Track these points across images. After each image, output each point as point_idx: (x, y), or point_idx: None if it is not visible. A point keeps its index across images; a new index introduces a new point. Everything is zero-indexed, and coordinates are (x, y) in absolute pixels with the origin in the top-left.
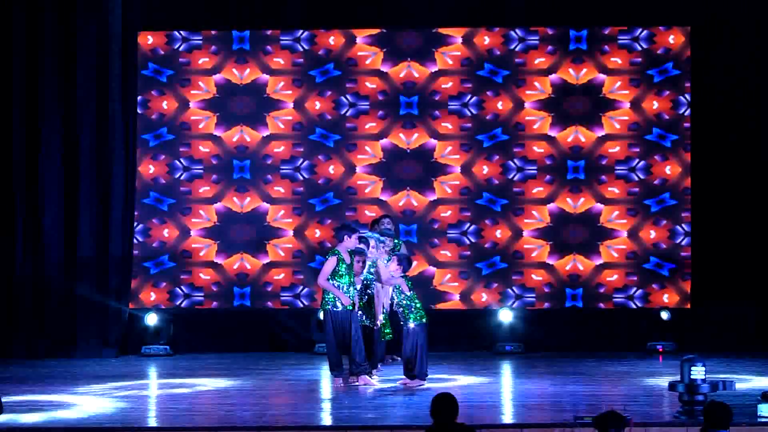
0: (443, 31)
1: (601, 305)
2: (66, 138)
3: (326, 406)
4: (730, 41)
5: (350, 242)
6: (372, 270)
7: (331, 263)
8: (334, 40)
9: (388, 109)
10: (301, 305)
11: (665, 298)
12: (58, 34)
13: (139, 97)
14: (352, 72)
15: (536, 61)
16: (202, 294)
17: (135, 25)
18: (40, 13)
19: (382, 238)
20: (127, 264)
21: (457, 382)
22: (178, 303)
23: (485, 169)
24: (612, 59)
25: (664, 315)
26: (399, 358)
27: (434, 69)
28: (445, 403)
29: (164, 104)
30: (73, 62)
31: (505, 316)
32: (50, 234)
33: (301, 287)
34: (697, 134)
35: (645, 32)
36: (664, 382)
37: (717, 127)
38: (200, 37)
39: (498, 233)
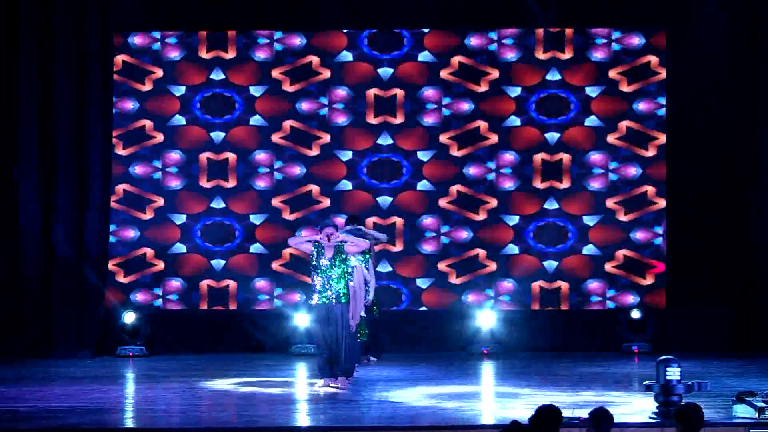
0: (424, 31)
1: (577, 306)
2: (43, 138)
3: (302, 407)
4: (706, 44)
5: (318, 236)
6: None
7: (305, 238)
8: (318, 40)
9: (370, 110)
10: (278, 306)
11: (641, 299)
12: (35, 35)
13: (116, 98)
14: (336, 72)
15: (514, 62)
16: (178, 294)
17: (113, 26)
18: (18, 15)
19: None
20: (103, 264)
21: (434, 382)
22: (154, 303)
23: (465, 169)
24: (588, 61)
25: (635, 314)
26: (375, 359)
27: (418, 68)
28: (549, 417)
29: (142, 105)
30: (51, 63)
31: (486, 318)
32: (27, 234)
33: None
34: (673, 136)
35: (622, 34)
36: (639, 382)
37: (693, 129)
38: (178, 38)
39: (475, 234)
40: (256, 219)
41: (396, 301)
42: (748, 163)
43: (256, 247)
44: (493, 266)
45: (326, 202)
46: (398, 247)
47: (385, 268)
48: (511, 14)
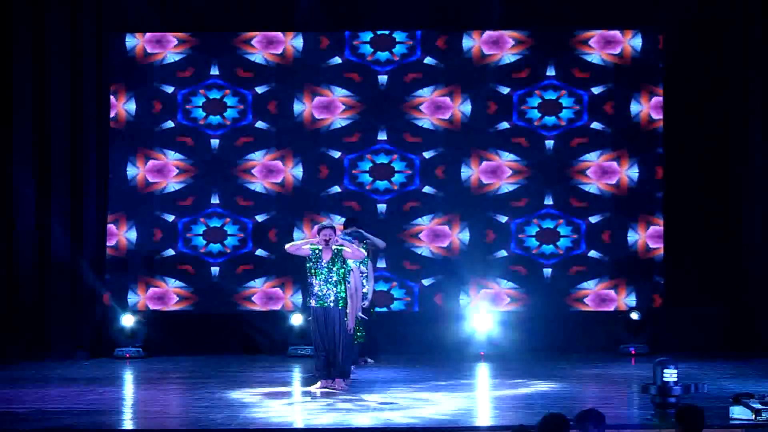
0: (425, 32)
1: (574, 307)
2: (38, 139)
3: (299, 409)
4: (703, 45)
5: (316, 238)
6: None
7: (302, 243)
8: (317, 41)
9: (371, 112)
10: (275, 308)
11: (638, 300)
12: (30, 35)
13: (111, 98)
14: (334, 73)
15: (513, 63)
16: (176, 296)
17: (108, 26)
18: (12, 15)
19: (354, 241)
20: (100, 266)
21: (432, 384)
22: (150, 305)
23: (464, 170)
24: (587, 62)
25: (635, 315)
26: (372, 361)
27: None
28: (556, 423)
29: (138, 106)
30: (46, 63)
31: (482, 319)
32: (23, 236)
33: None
34: (669, 138)
35: (619, 35)
36: (636, 384)
37: (690, 130)
38: (174, 38)
39: (472, 234)
40: (254, 220)
41: (389, 303)
42: (743, 166)
43: (253, 249)
44: (490, 267)
45: (324, 204)
46: (396, 248)
47: (382, 265)
48: (510, 14)
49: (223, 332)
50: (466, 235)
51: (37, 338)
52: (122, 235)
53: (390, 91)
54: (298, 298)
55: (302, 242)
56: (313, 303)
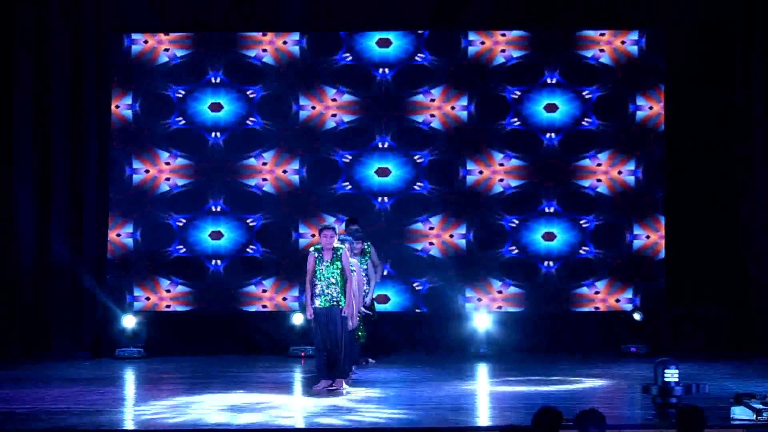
0: (424, 32)
1: (574, 307)
2: (38, 139)
3: (299, 409)
4: (704, 45)
5: (324, 240)
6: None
7: (310, 261)
8: (316, 41)
9: (372, 112)
10: (276, 308)
11: (639, 301)
12: (30, 35)
13: (112, 99)
14: (333, 73)
15: (513, 63)
16: (176, 297)
17: (109, 26)
18: (14, 16)
19: (354, 241)
20: (100, 266)
21: (433, 384)
22: (151, 305)
23: (465, 170)
24: (588, 62)
25: (637, 316)
26: (373, 361)
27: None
28: (550, 418)
29: (138, 106)
30: (47, 63)
31: (483, 319)
32: (23, 237)
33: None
34: (669, 138)
35: (620, 35)
36: (637, 384)
37: (690, 130)
38: (175, 39)
39: (473, 234)
40: (254, 221)
41: (387, 302)
42: (743, 166)
43: (254, 249)
44: (491, 267)
45: (324, 204)
46: (397, 249)
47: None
48: (510, 14)
49: (224, 332)
50: (466, 235)
51: (37, 338)
52: (122, 235)
53: (391, 91)
54: (296, 298)
55: (308, 266)
56: (317, 303)
